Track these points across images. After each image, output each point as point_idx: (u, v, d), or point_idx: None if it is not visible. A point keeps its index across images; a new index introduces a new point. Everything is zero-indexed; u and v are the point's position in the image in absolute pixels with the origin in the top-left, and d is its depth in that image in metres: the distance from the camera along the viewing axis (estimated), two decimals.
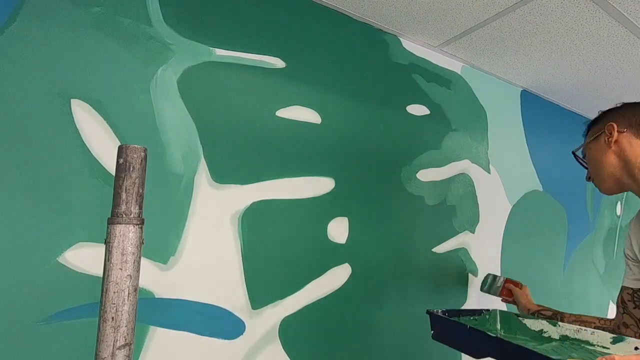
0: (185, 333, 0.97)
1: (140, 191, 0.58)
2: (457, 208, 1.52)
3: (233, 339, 1.03)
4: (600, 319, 1.09)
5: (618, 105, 1.02)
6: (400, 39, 1.44)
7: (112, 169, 0.91)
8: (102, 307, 0.54)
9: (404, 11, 1.28)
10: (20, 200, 0.82)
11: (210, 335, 1.00)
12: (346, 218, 1.24)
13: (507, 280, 1.34)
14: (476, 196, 1.59)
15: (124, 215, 0.56)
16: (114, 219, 0.56)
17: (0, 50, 0.83)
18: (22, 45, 0.84)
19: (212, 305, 1.01)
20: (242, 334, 1.04)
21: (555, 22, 1.29)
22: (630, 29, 1.30)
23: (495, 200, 1.66)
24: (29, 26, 0.85)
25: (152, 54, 0.98)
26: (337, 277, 1.21)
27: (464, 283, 1.51)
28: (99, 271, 0.88)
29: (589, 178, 1.07)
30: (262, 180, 1.11)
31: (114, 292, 0.54)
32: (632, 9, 1.20)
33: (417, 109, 1.45)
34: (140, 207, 0.58)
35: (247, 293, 1.06)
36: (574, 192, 2.04)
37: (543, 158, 1.88)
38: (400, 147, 1.39)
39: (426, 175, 1.45)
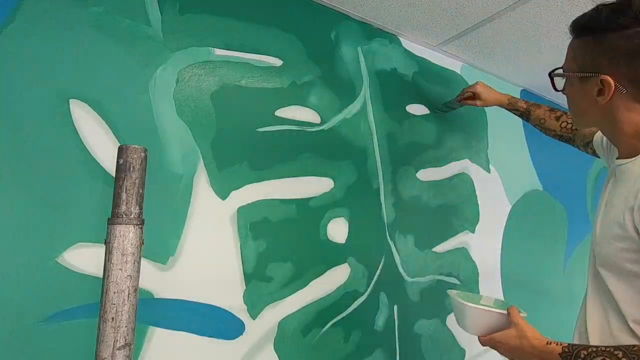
0: (185, 333, 0.97)
1: (140, 191, 0.58)
2: (457, 208, 1.52)
3: (233, 339, 1.03)
4: (561, 128, 1.14)
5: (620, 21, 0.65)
6: (400, 38, 1.44)
7: (111, 169, 0.90)
8: (102, 308, 0.54)
9: (404, 11, 1.28)
10: (19, 201, 0.82)
11: (210, 336, 1.00)
12: (346, 218, 1.24)
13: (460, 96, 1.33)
14: (476, 196, 1.58)
15: (124, 216, 0.56)
16: (114, 219, 0.56)
17: None
18: (20, 45, 0.84)
19: (211, 305, 1.01)
20: (241, 334, 1.04)
21: (555, 21, 1.29)
22: None
23: (495, 199, 1.65)
24: (28, 26, 0.85)
25: (151, 54, 0.98)
26: (336, 277, 1.21)
27: (466, 281, 1.51)
28: (98, 271, 0.87)
29: (562, 89, 0.80)
30: (262, 180, 1.10)
31: (114, 293, 0.54)
32: None
33: (417, 109, 1.45)
34: (141, 208, 0.58)
35: (246, 293, 1.06)
36: (574, 192, 2.04)
37: (543, 158, 1.88)
38: (400, 146, 1.39)
39: (426, 175, 1.45)
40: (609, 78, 0.67)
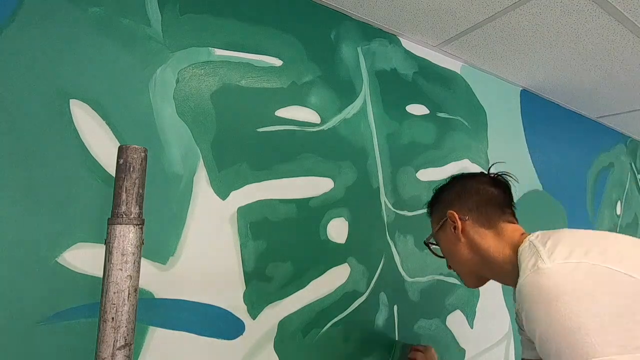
0: (185, 333, 0.97)
1: (140, 191, 0.58)
2: None
3: (233, 339, 1.03)
4: None
5: (448, 180, 0.94)
6: (400, 38, 1.44)
7: (111, 169, 0.91)
8: (102, 308, 0.54)
9: (404, 11, 1.28)
10: (19, 201, 0.82)
11: (210, 336, 1.00)
12: (346, 218, 1.24)
13: (412, 348, 1.19)
14: None
15: (124, 216, 0.56)
16: (114, 219, 0.56)
17: None
18: (20, 45, 0.84)
19: (211, 305, 1.01)
20: (241, 334, 1.04)
21: (555, 21, 1.29)
22: (630, 29, 1.30)
23: None
24: (28, 26, 0.85)
25: (151, 54, 0.98)
26: (336, 277, 1.21)
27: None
28: (98, 271, 0.87)
29: (449, 267, 0.95)
30: (262, 180, 1.11)
31: (114, 293, 0.54)
32: (632, 9, 1.20)
33: (417, 109, 1.45)
34: (141, 208, 0.58)
35: (246, 293, 1.06)
36: (574, 191, 2.04)
37: (543, 158, 1.88)
38: (400, 147, 1.39)
39: (426, 175, 1.45)
40: (450, 211, 0.87)
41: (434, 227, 0.95)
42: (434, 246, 0.97)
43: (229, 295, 1.03)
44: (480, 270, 0.87)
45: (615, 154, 2.36)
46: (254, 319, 1.06)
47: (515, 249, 0.78)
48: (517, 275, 0.70)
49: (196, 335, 0.98)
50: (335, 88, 1.26)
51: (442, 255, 0.96)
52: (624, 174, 2.42)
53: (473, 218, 0.85)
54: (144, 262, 0.92)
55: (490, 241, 0.83)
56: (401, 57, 1.44)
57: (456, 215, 0.86)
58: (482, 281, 0.91)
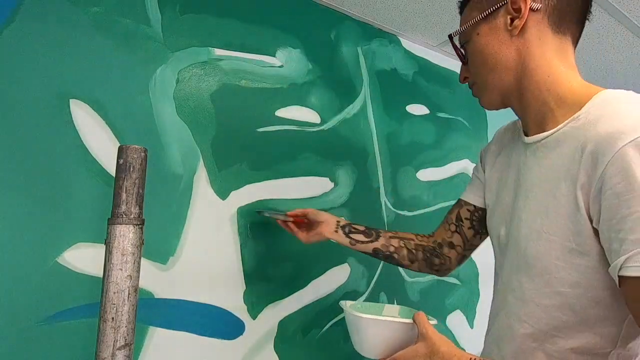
0: (185, 333, 0.97)
1: (140, 191, 0.58)
2: None
3: (233, 339, 1.03)
4: (418, 235, 0.91)
5: None
6: (400, 38, 1.44)
7: (111, 169, 0.90)
8: (102, 308, 0.54)
9: (404, 11, 1.28)
10: (19, 201, 0.82)
11: (210, 336, 1.00)
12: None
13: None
14: None
15: (124, 216, 0.56)
16: (114, 219, 0.56)
17: None
18: (20, 45, 0.84)
19: (211, 305, 1.01)
20: (241, 334, 1.04)
21: None
22: (630, 29, 1.30)
23: None
24: (28, 26, 0.85)
25: (151, 54, 0.98)
26: (336, 277, 1.21)
27: (466, 281, 1.51)
28: (98, 271, 0.87)
29: (465, 79, 0.69)
30: (262, 180, 1.10)
31: (114, 293, 0.54)
32: (632, 8, 1.20)
33: (417, 109, 1.45)
34: (141, 208, 0.58)
35: (246, 293, 1.06)
36: None
37: None
38: (400, 147, 1.39)
39: (426, 175, 1.45)
40: None
41: (473, 16, 0.64)
42: (461, 46, 0.68)
43: (229, 295, 1.03)
44: (513, 90, 0.63)
45: None
46: (254, 319, 1.06)
47: (582, 85, 0.61)
48: (557, 121, 0.57)
49: (196, 335, 0.98)
50: (335, 88, 1.26)
51: (465, 59, 0.67)
52: None
53: (547, 10, 0.60)
54: (144, 262, 0.92)
55: (550, 53, 0.60)
56: (401, 57, 1.44)
57: (528, 0, 0.58)
58: (502, 106, 0.67)
